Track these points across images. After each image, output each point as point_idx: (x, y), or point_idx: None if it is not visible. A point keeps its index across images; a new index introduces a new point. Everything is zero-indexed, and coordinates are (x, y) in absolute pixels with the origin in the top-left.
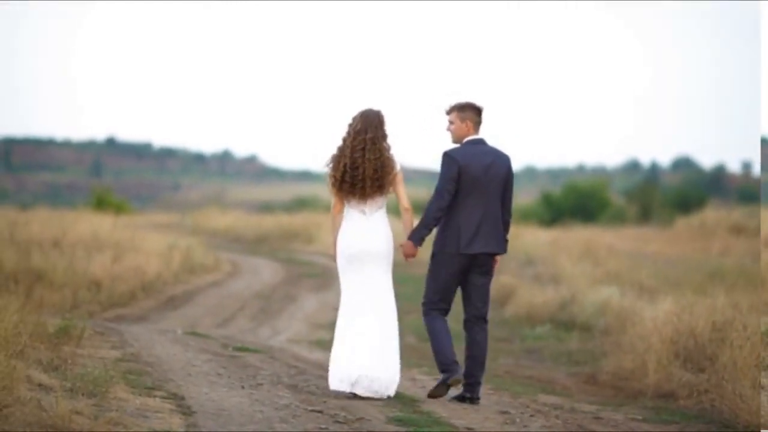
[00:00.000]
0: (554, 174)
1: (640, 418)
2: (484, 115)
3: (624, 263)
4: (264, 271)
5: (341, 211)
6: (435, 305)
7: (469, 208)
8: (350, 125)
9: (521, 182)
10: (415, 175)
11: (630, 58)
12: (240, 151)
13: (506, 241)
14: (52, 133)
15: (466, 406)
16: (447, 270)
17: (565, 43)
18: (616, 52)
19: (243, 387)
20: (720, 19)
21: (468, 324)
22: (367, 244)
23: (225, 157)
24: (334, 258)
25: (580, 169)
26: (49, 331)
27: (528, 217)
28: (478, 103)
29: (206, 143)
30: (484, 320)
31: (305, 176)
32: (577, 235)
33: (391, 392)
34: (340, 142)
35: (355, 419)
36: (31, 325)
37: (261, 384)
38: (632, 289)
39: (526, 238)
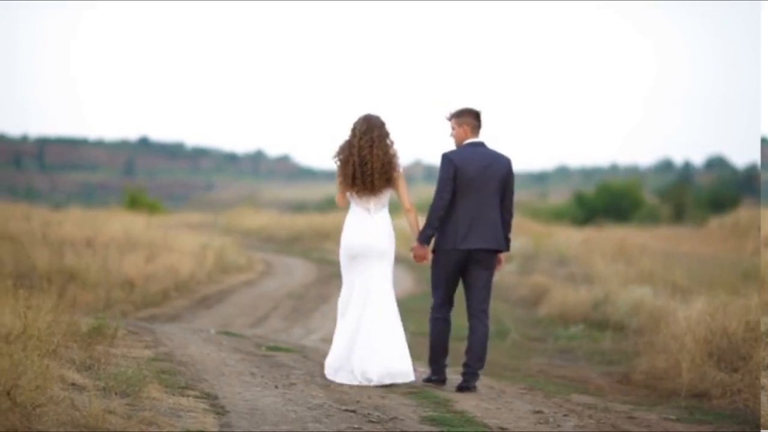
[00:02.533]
0: (587, 173)
1: (674, 417)
2: (482, 118)
3: (657, 263)
4: (297, 271)
5: (343, 205)
6: (439, 297)
7: (465, 207)
8: (354, 129)
9: (555, 182)
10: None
11: (665, 57)
12: (273, 150)
13: (508, 239)
14: (85, 133)
15: (499, 405)
16: (446, 265)
17: (600, 43)
18: (651, 51)
19: (276, 386)
20: (760, 18)
21: (470, 317)
22: (370, 241)
23: (258, 157)
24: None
25: (613, 168)
26: (82, 330)
27: (561, 216)
28: (475, 108)
29: (239, 143)
30: (485, 313)
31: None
32: (610, 235)
33: (402, 379)
34: (345, 144)
35: (388, 419)
36: (64, 324)
37: (294, 383)
38: (665, 289)
39: (559, 238)
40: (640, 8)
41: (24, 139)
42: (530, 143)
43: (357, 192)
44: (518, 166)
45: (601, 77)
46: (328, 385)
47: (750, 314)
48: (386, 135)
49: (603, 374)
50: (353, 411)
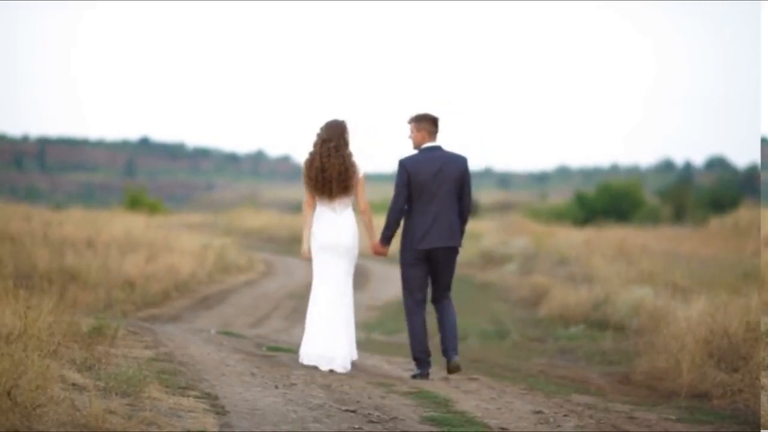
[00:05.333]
0: (588, 174)
1: (674, 418)
2: (440, 124)
3: (658, 263)
4: (297, 271)
5: (312, 207)
6: (410, 296)
7: (422, 209)
8: (318, 134)
9: (555, 182)
10: None
11: (665, 57)
12: (273, 151)
13: (462, 232)
14: (86, 134)
15: (500, 405)
16: (410, 264)
17: (601, 43)
18: (651, 51)
19: (276, 387)
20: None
21: (435, 302)
22: (336, 238)
23: (258, 157)
24: (306, 251)
25: (614, 168)
26: (82, 330)
27: (561, 216)
28: (433, 114)
29: (240, 143)
30: (448, 299)
31: None
32: (610, 235)
33: (348, 367)
34: (312, 149)
35: (388, 419)
36: (64, 324)
37: (294, 384)
38: (666, 289)
39: (559, 238)
40: (640, 8)
41: (25, 140)
42: (531, 143)
43: (319, 195)
44: (519, 167)
45: (601, 77)
46: (329, 386)
47: (750, 314)
48: (344, 145)
49: (603, 374)
50: (353, 411)
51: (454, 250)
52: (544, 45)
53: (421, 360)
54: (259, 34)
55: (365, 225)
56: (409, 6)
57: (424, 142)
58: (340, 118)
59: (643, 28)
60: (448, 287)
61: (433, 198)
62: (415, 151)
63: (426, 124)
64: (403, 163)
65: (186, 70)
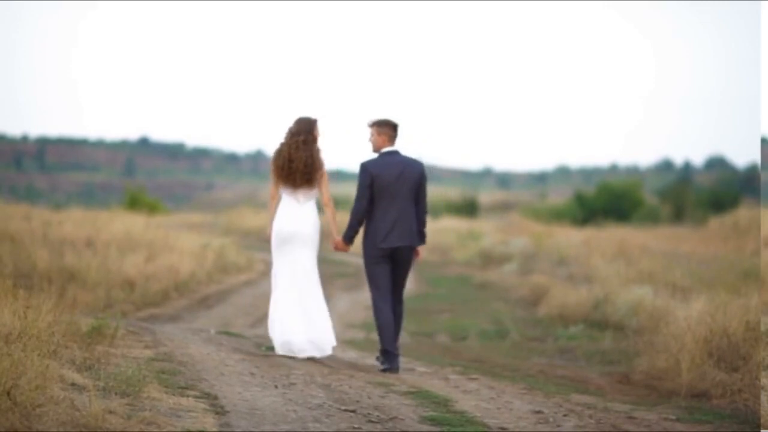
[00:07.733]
0: (587, 173)
1: (674, 417)
2: (399, 130)
3: (657, 263)
4: None
5: (276, 198)
6: (377, 293)
7: (384, 210)
8: (289, 129)
9: (555, 182)
10: (446, 174)
11: (665, 57)
12: (273, 150)
13: (424, 234)
14: (85, 133)
15: (499, 405)
16: (374, 262)
17: (601, 43)
18: (651, 51)
19: (276, 386)
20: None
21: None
22: (297, 227)
23: (258, 157)
24: (268, 238)
25: (613, 168)
26: (82, 330)
27: (561, 216)
28: (393, 120)
29: (239, 143)
30: (400, 301)
31: (337, 175)
32: (610, 235)
33: (326, 352)
34: (282, 141)
35: (388, 419)
36: (64, 324)
37: (294, 383)
38: (665, 289)
39: (559, 238)
40: (640, 9)
41: (24, 140)
42: (530, 143)
43: (283, 184)
44: (518, 166)
45: (601, 77)
46: (329, 385)
47: (750, 314)
48: (312, 140)
49: (603, 374)
50: (353, 411)
51: (412, 249)
52: (544, 45)
53: (390, 353)
54: (258, 34)
55: (329, 219)
56: (410, 6)
57: (384, 146)
58: (312, 116)
59: (644, 28)
60: (402, 285)
61: (394, 200)
62: (374, 155)
63: (387, 129)
64: (366, 166)
65: (185, 70)
